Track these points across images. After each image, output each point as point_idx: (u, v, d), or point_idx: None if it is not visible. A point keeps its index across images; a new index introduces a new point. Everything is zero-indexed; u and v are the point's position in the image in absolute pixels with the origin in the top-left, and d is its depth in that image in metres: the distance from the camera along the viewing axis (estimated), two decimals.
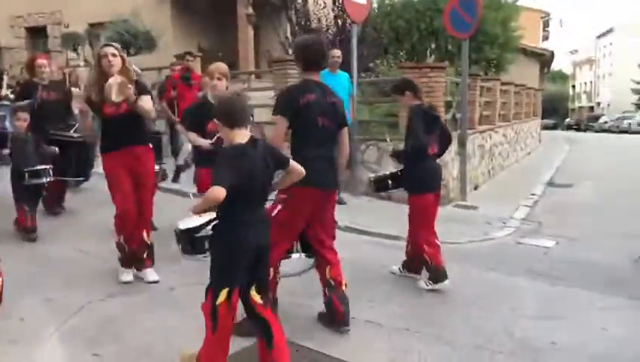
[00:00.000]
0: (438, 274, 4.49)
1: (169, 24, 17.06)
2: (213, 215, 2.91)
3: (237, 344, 3.16)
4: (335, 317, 3.63)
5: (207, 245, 3.05)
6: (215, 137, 4.31)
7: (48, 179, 5.43)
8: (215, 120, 2.91)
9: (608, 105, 59.62)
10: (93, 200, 6.50)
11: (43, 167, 5.36)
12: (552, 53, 28.47)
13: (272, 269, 3.42)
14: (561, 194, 10.01)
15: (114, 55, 4.16)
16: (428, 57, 19.51)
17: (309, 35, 4.88)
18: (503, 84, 13.51)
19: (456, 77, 9.76)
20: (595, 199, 9.27)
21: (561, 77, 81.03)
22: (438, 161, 4.77)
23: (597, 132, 43.33)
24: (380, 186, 4.98)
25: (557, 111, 68.02)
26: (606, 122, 45.97)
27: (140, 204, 4.35)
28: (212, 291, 2.83)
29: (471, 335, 3.73)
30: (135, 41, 14.87)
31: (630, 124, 36.71)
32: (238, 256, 2.81)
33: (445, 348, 3.50)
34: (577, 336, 3.79)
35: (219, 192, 2.61)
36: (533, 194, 9.47)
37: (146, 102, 4.24)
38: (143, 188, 4.37)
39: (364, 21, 10.58)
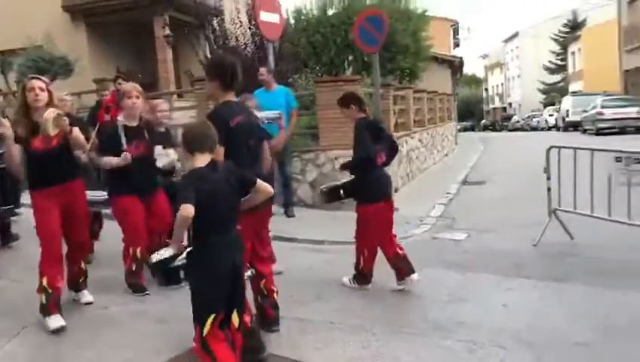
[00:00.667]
0: (363, 279, 4.84)
1: (85, 48, 16.89)
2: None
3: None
4: (267, 319, 3.93)
5: (182, 275, 3.11)
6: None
7: None
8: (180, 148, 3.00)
9: (519, 105, 63.08)
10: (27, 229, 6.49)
11: None
12: (462, 60, 30.04)
13: None
14: (473, 191, 10.76)
15: (41, 89, 4.04)
16: (346, 69, 20.24)
17: (224, 54, 5.12)
18: (415, 91, 14.30)
19: (371, 88, 10.34)
20: (503, 193, 10.04)
21: (475, 81, 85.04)
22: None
23: (510, 131, 45.89)
24: (332, 197, 5.01)
25: (473, 114, 71.36)
26: (518, 121, 48.75)
27: (73, 233, 4.32)
28: (198, 323, 2.86)
29: (389, 322, 4.14)
30: (51, 68, 14.61)
31: (538, 121, 39.08)
32: (215, 280, 2.85)
33: (366, 335, 3.89)
34: (481, 314, 4.28)
35: (188, 209, 2.67)
36: (448, 193, 10.14)
37: (79, 134, 4.21)
38: (75, 219, 4.28)
39: (281, 38, 11.02)
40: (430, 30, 22.53)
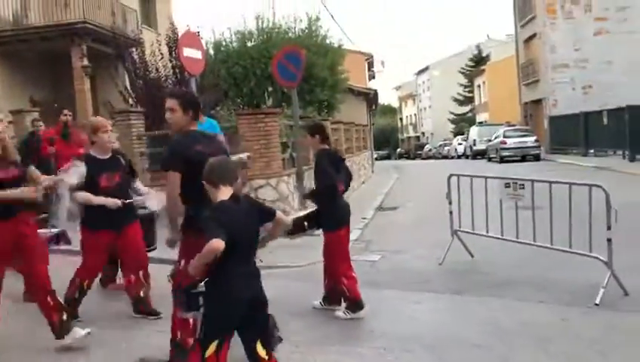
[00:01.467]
0: (355, 305, 4.89)
1: None
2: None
3: None
4: None
5: (201, 301, 3.07)
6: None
7: None
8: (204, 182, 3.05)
9: (431, 134, 66.18)
10: None
11: None
12: (376, 92, 31.48)
13: None
14: (387, 216, 11.46)
15: None
16: (266, 100, 20.77)
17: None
18: (333, 123, 15.01)
19: (290, 120, 10.88)
20: (413, 217, 10.81)
21: (391, 111, 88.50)
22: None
23: (424, 159, 48.08)
24: (297, 229, 4.93)
25: (389, 142, 74.12)
26: (430, 150, 51.21)
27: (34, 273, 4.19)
28: (200, 343, 2.93)
29: (313, 335, 4.57)
30: None
31: (449, 150, 41.28)
32: (227, 308, 2.91)
33: (290, 347, 4.28)
34: (391, 324, 4.79)
35: (219, 244, 2.72)
36: (364, 218, 10.74)
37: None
38: (37, 258, 4.20)
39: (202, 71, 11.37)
40: (346, 63, 23.53)
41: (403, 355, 4.13)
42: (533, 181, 6.01)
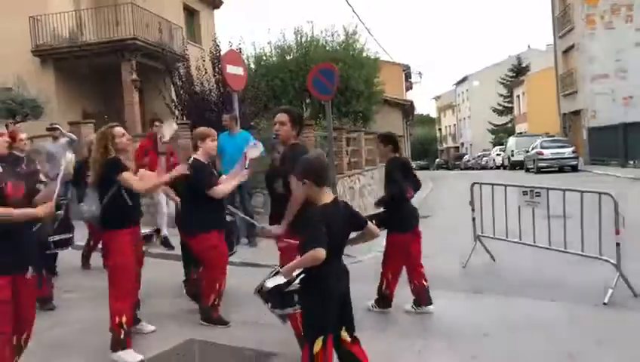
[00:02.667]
0: (386, 303, 5.38)
1: (53, 91, 17.59)
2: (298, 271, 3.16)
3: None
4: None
5: (295, 298, 3.23)
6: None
7: None
8: (300, 178, 3.16)
9: (470, 144, 65.82)
10: None
11: None
12: (412, 103, 31.89)
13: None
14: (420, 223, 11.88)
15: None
16: (304, 111, 21.48)
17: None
18: (367, 133, 15.56)
19: (324, 131, 11.49)
20: (443, 224, 11.21)
21: (429, 121, 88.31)
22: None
23: (462, 169, 47.91)
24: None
25: (428, 153, 73.98)
26: (469, 160, 50.98)
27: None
28: (308, 342, 3.07)
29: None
30: (21, 109, 15.28)
31: (487, 160, 41.13)
32: (328, 305, 3.06)
33: None
34: (411, 316, 5.29)
35: (322, 254, 2.88)
36: None
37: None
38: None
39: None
40: (383, 75, 24.10)
41: (417, 341, 4.64)
42: (548, 189, 6.42)
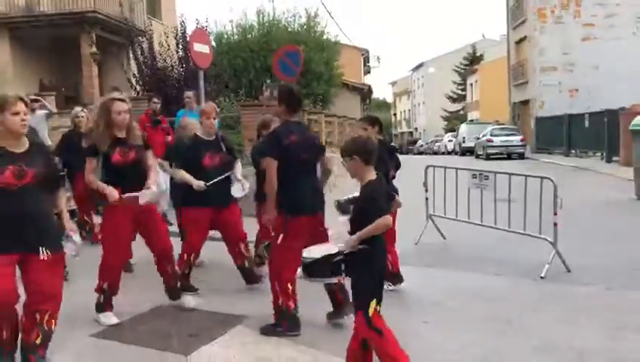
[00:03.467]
0: (398, 278, 5.58)
1: (8, 60, 17.22)
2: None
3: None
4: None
5: (342, 267, 3.44)
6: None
7: None
8: (350, 156, 3.37)
9: (424, 130, 67.16)
10: None
11: None
12: (370, 87, 32.45)
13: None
14: None
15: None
16: (264, 91, 21.66)
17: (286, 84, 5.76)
18: (327, 116, 15.95)
19: None
20: None
21: (385, 106, 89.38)
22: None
23: (415, 154, 49.02)
24: (345, 210, 5.71)
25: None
26: (422, 145, 52.14)
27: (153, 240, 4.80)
28: (362, 309, 3.30)
29: None
30: None
31: (439, 146, 42.25)
32: (378, 271, 3.38)
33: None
34: None
35: (390, 220, 3.25)
36: None
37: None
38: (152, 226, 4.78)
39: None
40: (342, 59, 24.50)
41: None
42: (495, 173, 6.99)
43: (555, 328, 4.57)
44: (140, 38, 15.96)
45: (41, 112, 8.44)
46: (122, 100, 4.61)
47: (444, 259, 6.95)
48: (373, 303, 3.27)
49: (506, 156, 25.84)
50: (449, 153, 37.83)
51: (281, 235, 4.27)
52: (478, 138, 28.52)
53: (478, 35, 61.77)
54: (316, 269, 3.53)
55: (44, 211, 3.56)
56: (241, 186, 5.41)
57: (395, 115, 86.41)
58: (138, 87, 14.44)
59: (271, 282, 4.42)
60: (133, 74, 14.73)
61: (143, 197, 4.51)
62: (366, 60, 39.89)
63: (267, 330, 4.37)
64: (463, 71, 57.77)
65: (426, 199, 7.86)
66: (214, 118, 5.35)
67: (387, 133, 77.87)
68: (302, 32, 21.93)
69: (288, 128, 4.32)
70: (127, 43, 15.93)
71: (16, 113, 3.45)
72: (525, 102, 32.68)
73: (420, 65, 71.22)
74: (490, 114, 40.41)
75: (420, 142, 55.50)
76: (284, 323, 4.33)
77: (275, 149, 4.23)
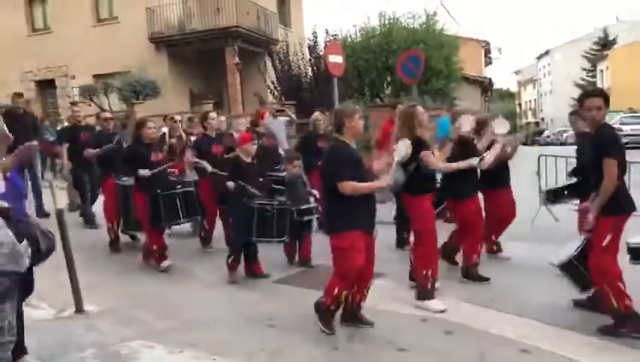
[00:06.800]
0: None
1: (167, 73, 20.03)
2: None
3: None
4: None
5: None
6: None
7: None
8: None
9: (551, 120, 64.60)
10: None
11: None
12: (490, 80, 32.47)
13: None
14: None
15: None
16: (385, 89, 22.89)
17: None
18: (447, 110, 16.84)
19: None
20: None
21: (509, 96, 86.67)
22: None
23: (541, 145, 47.61)
24: (557, 196, 6.58)
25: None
26: (548, 136, 50.42)
27: None
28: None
29: None
30: (144, 90, 17.73)
31: (567, 137, 40.86)
32: None
33: None
34: None
35: None
36: None
37: None
38: None
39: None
40: (462, 52, 24.96)
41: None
42: None
43: None
44: (275, 47, 17.90)
45: (282, 119, 9.60)
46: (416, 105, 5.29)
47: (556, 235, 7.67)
48: None
49: (635, 146, 24.89)
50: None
51: (610, 235, 4.30)
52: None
53: (612, 19, 58.26)
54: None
55: None
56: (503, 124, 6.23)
57: (519, 104, 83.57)
58: (276, 93, 16.34)
59: (598, 286, 4.49)
60: (272, 81, 16.66)
61: None
62: (487, 52, 39.72)
63: (607, 330, 4.38)
64: (593, 57, 54.90)
65: (540, 187, 8.71)
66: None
67: (512, 124, 75.72)
68: (421, 30, 22.80)
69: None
70: (264, 52, 17.93)
71: (360, 118, 4.46)
72: None
73: (546, 53, 68.52)
74: (623, 101, 38.37)
75: (546, 133, 53.64)
76: (627, 323, 4.29)
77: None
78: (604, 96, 4.44)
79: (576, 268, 4.69)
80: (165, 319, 4.96)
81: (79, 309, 5.09)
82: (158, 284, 6.10)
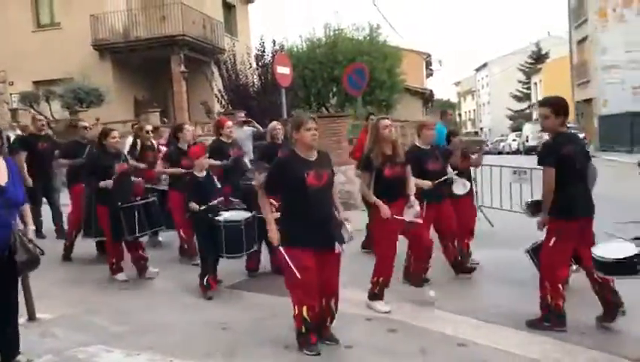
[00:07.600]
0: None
1: (111, 81, 19.79)
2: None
3: None
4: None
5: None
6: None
7: None
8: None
9: (489, 130, 67.05)
10: None
11: None
12: (431, 92, 33.60)
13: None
14: None
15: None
16: (330, 99, 23.42)
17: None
18: (393, 120, 17.38)
19: (354, 120, 13.43)
20: None
21: (450, 106, 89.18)
22: None
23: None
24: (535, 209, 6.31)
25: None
26: (487, 145, 52.48)
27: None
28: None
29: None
30: (87, 98, 17.46)
31: (504, 146, 42.63)
32: None
33: None
34: None
35: None
36: None
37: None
38: None
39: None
40: (404, 64, 25.84)
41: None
42: (532, 169, 8.33)
43: None
44: (221, 55, 18.04)
45: (247, 129, 9.32)
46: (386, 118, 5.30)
47: (492, 241, 8.14)
48: None
49: None
50: (513, 152, 38.13)
51: (554, 238, 4.54)
52: (541, 137, 29.06)
53: (544, 33, 61.18)
54: (618, 269, 3.96)
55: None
56: (462, 184, 6.49)
57: (459, 115, 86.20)
58: (223, 101, 16.47)
59: (541, 280, 4.72)
60: (219, 90, 16.77)
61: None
62: (428, 64, 41.00)
63: (533, 324, 4.77)
64: (527, 70, 57.53)
65: (476, 193, 9.22)
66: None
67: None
68: (365, 42, 23.48)
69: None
70: (210, 61, 18.03)
71: (309, 129, 4.18)
72: (588, 101, 32.87)
73: (484, 65, 71.17)
74: None
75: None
76: (552, 319, 4.65)
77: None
78: (552, 106, 4.52)
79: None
80: (120, 324, 5.07)
81: (32, 317, 5.12)
82: (111, 292, 6.18)
